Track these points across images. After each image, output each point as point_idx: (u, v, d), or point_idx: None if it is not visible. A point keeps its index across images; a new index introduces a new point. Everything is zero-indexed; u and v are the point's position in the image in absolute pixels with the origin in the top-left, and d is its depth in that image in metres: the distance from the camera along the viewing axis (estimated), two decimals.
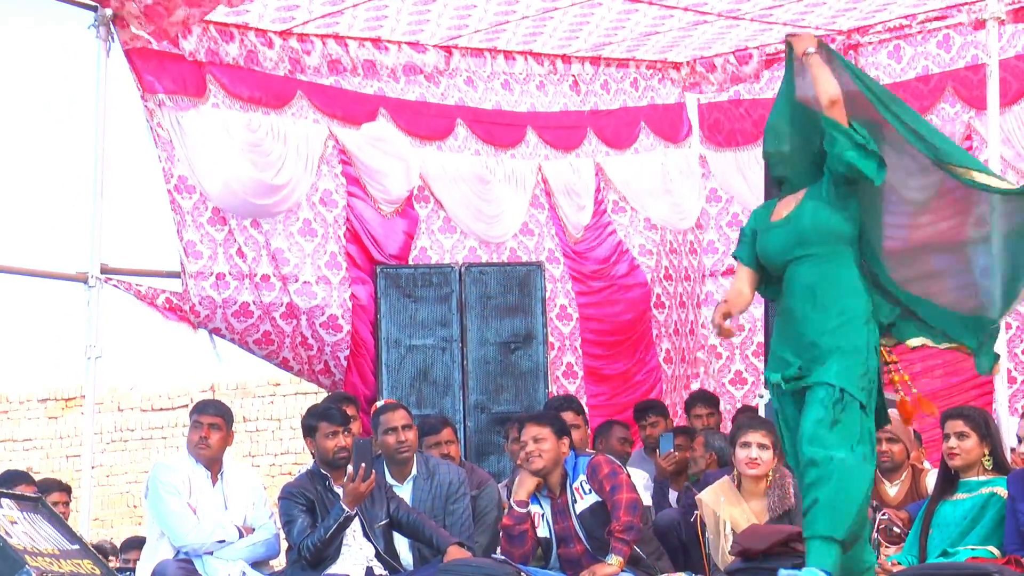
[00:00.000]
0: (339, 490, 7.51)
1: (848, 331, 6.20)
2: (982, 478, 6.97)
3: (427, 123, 10.34)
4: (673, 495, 8.77)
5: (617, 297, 11.05)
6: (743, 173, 11.29)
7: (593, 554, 7.42)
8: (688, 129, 11.43)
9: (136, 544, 9.93)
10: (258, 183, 9.42)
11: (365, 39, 10.00)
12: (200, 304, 9.22)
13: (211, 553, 7.61)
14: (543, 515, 7.53)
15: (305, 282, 9.68)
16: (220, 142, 9.26)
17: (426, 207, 10.33)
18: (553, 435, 7.47)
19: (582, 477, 7.50)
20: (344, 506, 7.38)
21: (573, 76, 10.87)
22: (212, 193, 9.26)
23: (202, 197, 9.27)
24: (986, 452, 6.98)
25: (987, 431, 6.98)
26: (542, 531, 7.52)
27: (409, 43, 10.20)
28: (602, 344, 10.96)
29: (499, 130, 10.60)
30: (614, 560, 7.24)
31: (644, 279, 11.12)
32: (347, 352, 9.82)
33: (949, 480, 7.06)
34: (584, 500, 7.48)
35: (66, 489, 9.25)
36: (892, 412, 8.23)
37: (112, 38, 8.96)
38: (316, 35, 9.80)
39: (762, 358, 9.97)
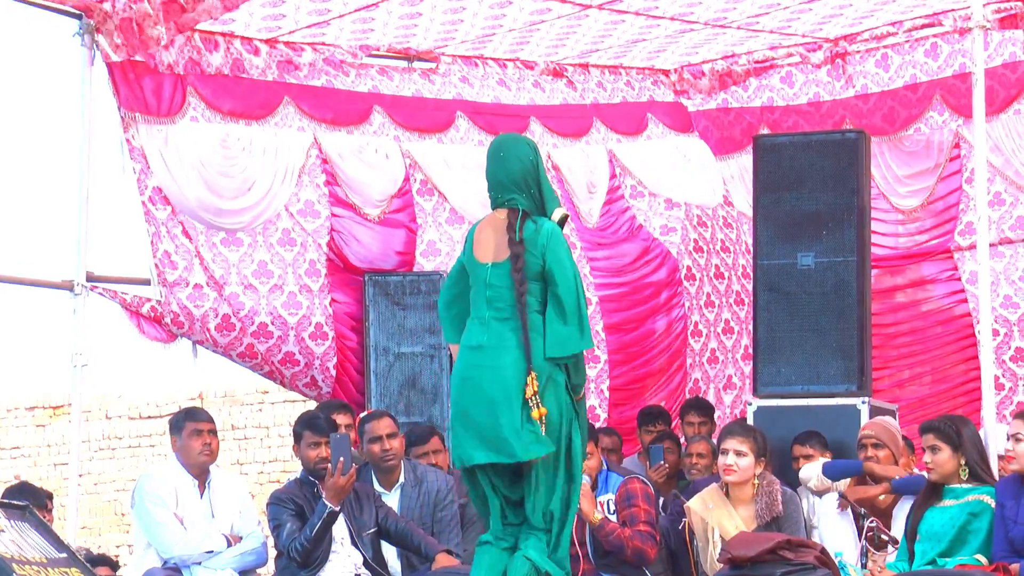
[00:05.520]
0: None
1: None
2: (967, 485, 6.98)
3: (426, 116, 10.23)
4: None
5: (638, 276, 11.00)
6: (730, 182, 11.28)
7: (597, 571, 7.43)
8: (694, 126, 11.33)
9: None
10: (226, 202, 9.36)
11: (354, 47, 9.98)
12: (183, 315, 9.19)
13: (199, 563, 7.60)
14: None
15: (291, 292, 9.65)
16: (194, 158, 9.23)
17: (431, 200, 10.27)
18: None
19: (611, 496, 7.51)
20: (327, 502, 7.37)
21: (567, 78, 10.82)
22: (185, 208, 9.23)
23: (178, 208, 9.23)
24: (961, 462, 6.99)
25: (959, 442, 6.99)
26: None
27: (398, 51, 10.18)
28: (620, 304, 10.92)
29: (501, 121, 10.39)
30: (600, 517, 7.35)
31: (667, 252, 11.01)
32: (335, 361, 9.79)
33: (934, 487, 7.06)
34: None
35: (48, 496, 9.22)
36: (887, 418, 8.28)
37: (96, 46, 8.94)
38: (304, 43, 9.78)
39: (750, 362, 9.96)
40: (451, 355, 7.09)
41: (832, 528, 7.75)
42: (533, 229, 6.28)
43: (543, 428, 6.12)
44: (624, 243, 10.94)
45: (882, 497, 7.70)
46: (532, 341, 6.17)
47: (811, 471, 7.82)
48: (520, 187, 6.35)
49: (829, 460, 7.87)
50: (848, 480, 7.83)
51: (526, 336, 6.16)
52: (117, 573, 9.54)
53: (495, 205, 6.42)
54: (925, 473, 7.47)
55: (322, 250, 9.78)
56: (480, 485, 6.36)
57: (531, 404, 6.12)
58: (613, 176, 10.95)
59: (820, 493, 7.84)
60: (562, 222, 6.39)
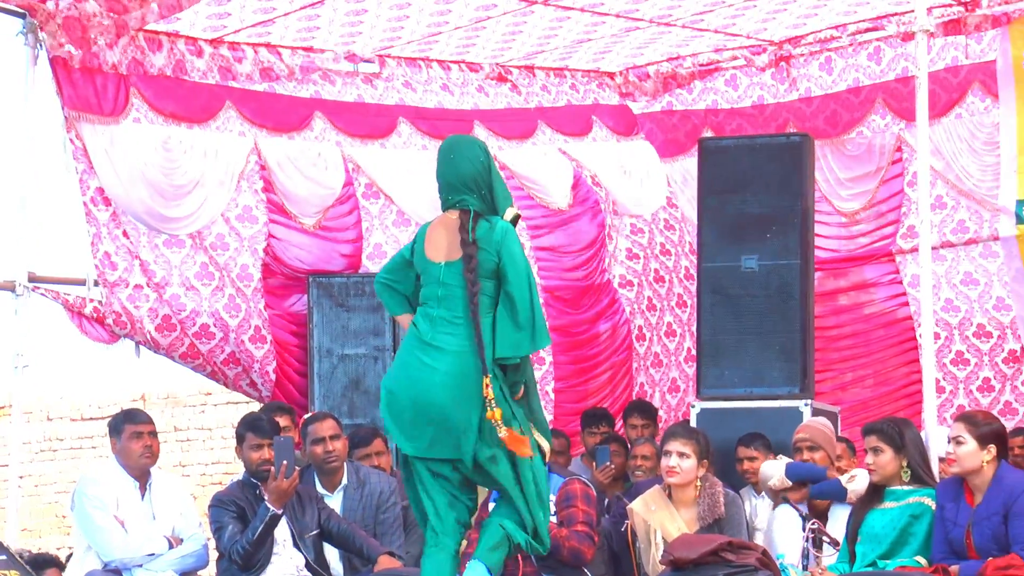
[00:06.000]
0: None
1: None
2: (908, 487, 7.01)
3: (367, 122, 10.22)
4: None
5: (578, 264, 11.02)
6: (674, 184, 11.31)
7: (538, 572, 7.43)
8: (639, 128, 11.36)
9: None
10: (167, 205, 9.34)
11: (298, 48, 9.95)
12: (124, 316, 9.14)
13: (140, 566, 7.55)
14: None
15: (231, 295, 9.61)
16: (136, 159, 9.18)
17: (377, 202, 10.25)
18: None
19: (552, 497, 7.50)
20: (270, 505, 7.34)
21: (511, 82, 10.81)
22: (128, 209, 9.18)
23: (119, 209, 9.19)
24: (903, 464, 7.03)
25: (902, 444, 7.02)
26: None
27: (343, 56, 10.16)
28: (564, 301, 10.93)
29: (445, 125, 10.35)
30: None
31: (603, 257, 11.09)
32: (274, 365, 9.75)
33: (876, 489, 7.10)
34: None
35: None
36: (820, 420, 8.32)
37: (40, 45, 8.88)
38: (248, 43, 9.73)
39: (693, 364, 10.00)
40: (395, 322, 6.90)
41: (775, 530, 7.77)
42: (487, 228, 6.27)
43: (499, 429, 6.11)
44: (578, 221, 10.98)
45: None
46: (486, 344, 6.16)
47: (774, 469, 7.82)
48: (471, 188, 6.33)
49: (793, 462, 7.89)
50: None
51: (479, 338, 6.16)
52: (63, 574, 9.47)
53: (446, 206, 6.39)
54: (841, 477, 7.54)
55: (258, 255, 9.74)
56: (421, 476, 6.32)
57: (489, 406, 6.10)
58: (578, 165, 10.98)
59: (776, 493, 7.84)
60: (514, 221, 6.39)
